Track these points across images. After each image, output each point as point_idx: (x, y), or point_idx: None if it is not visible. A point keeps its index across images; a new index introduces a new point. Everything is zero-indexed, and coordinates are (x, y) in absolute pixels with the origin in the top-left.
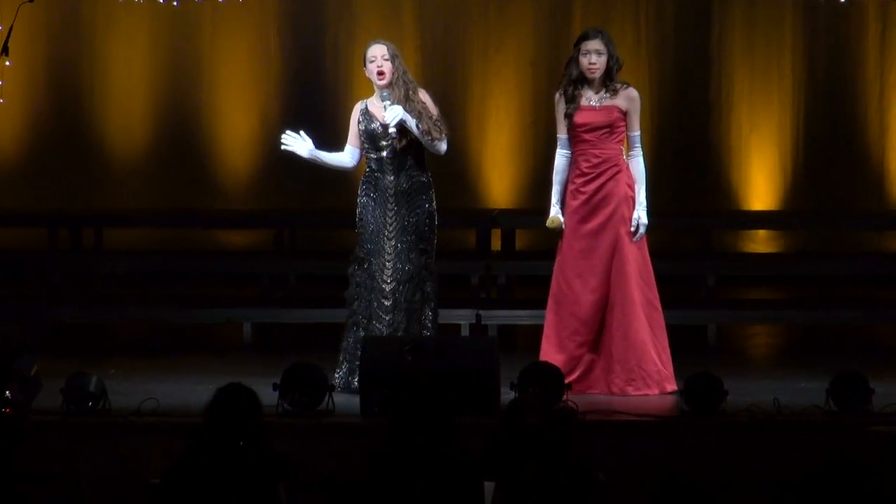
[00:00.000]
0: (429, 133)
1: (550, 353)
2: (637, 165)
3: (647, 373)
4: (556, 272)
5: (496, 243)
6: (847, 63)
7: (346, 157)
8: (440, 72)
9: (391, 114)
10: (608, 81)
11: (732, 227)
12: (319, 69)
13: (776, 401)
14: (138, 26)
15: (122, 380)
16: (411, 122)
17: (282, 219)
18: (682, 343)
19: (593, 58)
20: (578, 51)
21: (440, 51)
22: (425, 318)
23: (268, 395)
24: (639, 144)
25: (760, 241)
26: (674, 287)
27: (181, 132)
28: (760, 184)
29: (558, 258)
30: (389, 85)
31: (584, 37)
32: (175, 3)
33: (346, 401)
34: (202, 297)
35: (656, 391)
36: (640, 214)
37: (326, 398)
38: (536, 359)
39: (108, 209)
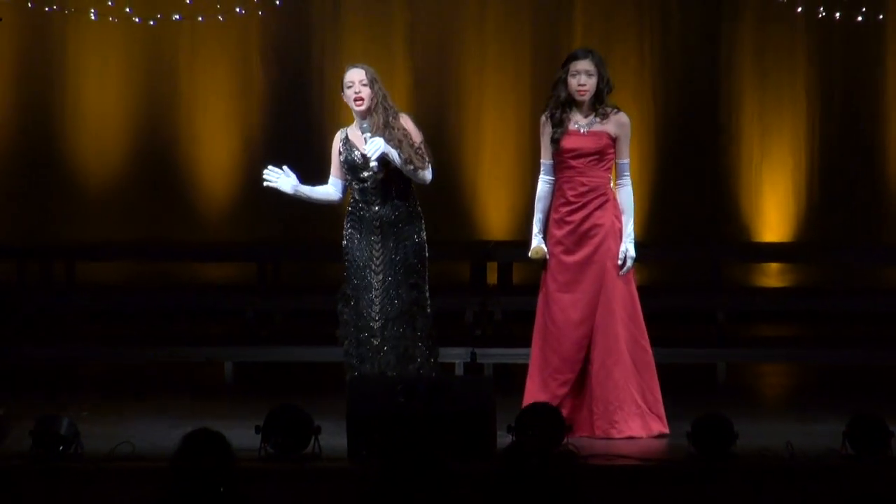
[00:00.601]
0: (410, 162)
1: (534, 392)
2: (625, 195)
3: (629, 414)
4: (539, 306)
5: (492, 277)
6: (865, 85)
7: (330, 189)
8: (433, 94)
9: (372, 147)
10: (598, 105)
11: (743, 260)
12: (305, 92)
13: (789, 444)
14: (113, 47)
15: (95, 422)
16: (393, 154)
17: (266, 251)
18: (690, 382)
19: (583, 79)
20: (567, 71)
21: (433, 72)
22: (419, 357)
23: (250, 438)
24: (627, 173)
25: (772, 275)
26: (681, 323)
27: (158, 158)
28: (772, 214)
29: (542, 291)
30: (368, 112)
31: (574, 56)
32: (151, 23)
33: (333, 444)
34: (180, 335)
35: (642, 434)
36: (628, 247)
37: (312, 441)
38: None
39: (80, 241)
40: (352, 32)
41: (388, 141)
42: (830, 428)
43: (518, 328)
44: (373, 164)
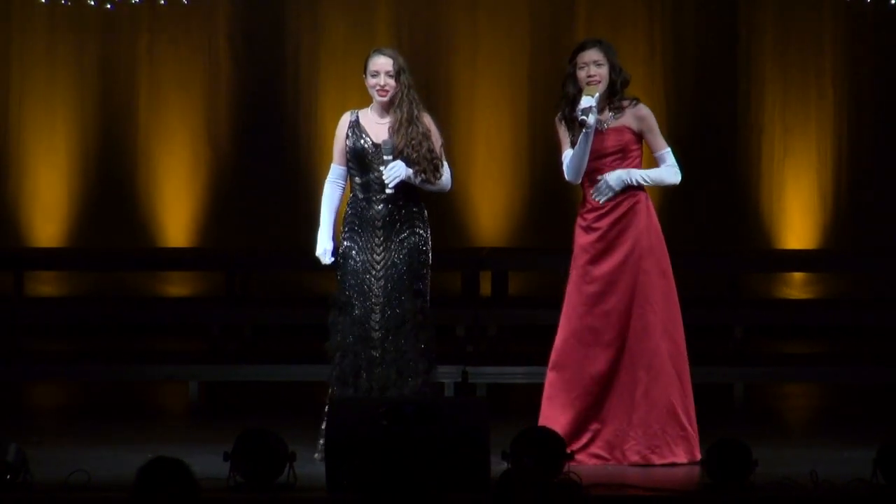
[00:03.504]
0: (427, 180)
1: (554, 416)
2: (666, 167)
3: (673, 438)
4: (563, 322)
5: (485, 288)
6: None
7: (338, 189)
8: (419, 87)
9: (392, 174)
10: (612, 98)
11: (763, 270)
12: (278, 84)
13: (814, 473)
14: (62, 33)
15: (46, 448)
16: (411, 176)
17: (234, 259)
18: (705, 404)
19: (592, 69)
20: (574, 65)
21: (420, 62)
22: (420, 373)
23: (217, 465)
24: (672, 161)
25: (796, 286)
26: (695, 339)
27: (114, 159)
28: (796, 218)
29: (566, 306)
30: (391, 103)
31: (580, 48)
32: (109, 7)
33: (309, 472)
34: (140, 352)
35: (684, 458)
36: (629, 175)
37: (287, 469)
38: (534, 423)
39: (29, 250)
40: (331, 19)
41: (410, 140)
42: (860, 455)
43: (514, 344)
44: (389, 191)
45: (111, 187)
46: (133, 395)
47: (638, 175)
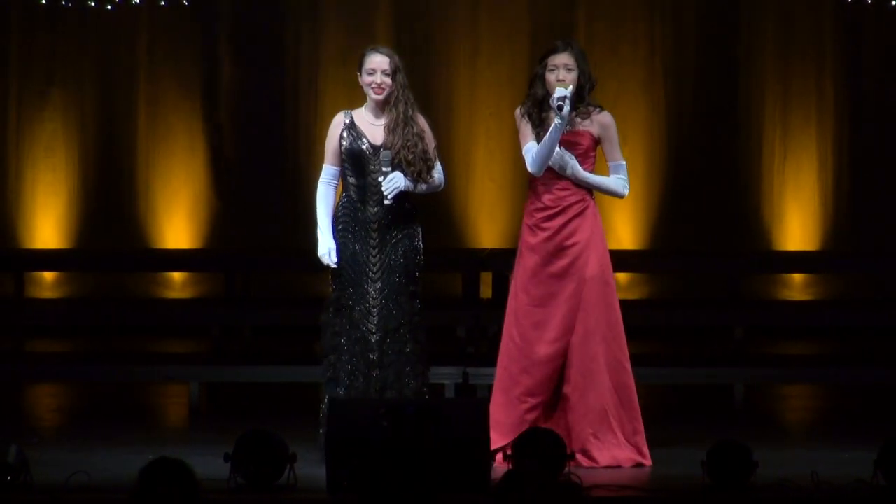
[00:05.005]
0: (423, 180)
1: (496, 414)
2: (613, 177)
3: (606, 444)
4: (508, 319)
5: (486, 290)
6: None
7: (330, 185)
8: (419, 89)
9: (391, 185)
10: (578, 103)
11: (763, 271)
12: (278, 86)
13: (814, 474)
14: (62, 34)
15: (46, 449)
16: (409, 185)
17: (234, 260)
18: (705, 405)
19: (562, 73)
20: (545, 66)
21: (420, 64)
22: (419, 374)
23: (218, 466)
24: (624, 176)
25: (796, 288)
26: (694, 340)
27: (114, 160)
28: (796, 220)
29: (511, 303)
30: (386, 102)
31: (552, 50)
32: (109, 7)
33: (310, 474)
34: (141, 354)
35: (613, 465)
36: (575, 163)
37: (287, 471)
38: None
39: (29, 251)
40: (331, 17)
41: (406, 141)
42: (860, 456)
43: None
44: (388, 202)
45: (111, 188)
46: (134, 396)
47: (585, 173)
